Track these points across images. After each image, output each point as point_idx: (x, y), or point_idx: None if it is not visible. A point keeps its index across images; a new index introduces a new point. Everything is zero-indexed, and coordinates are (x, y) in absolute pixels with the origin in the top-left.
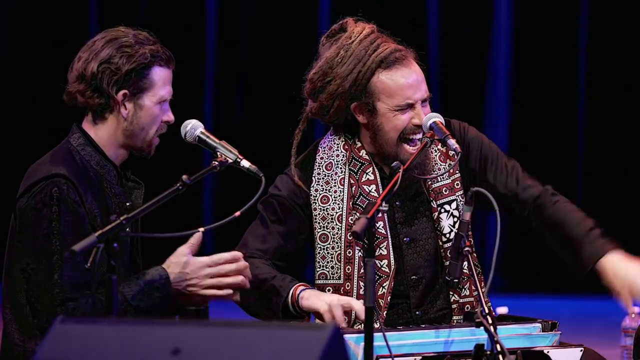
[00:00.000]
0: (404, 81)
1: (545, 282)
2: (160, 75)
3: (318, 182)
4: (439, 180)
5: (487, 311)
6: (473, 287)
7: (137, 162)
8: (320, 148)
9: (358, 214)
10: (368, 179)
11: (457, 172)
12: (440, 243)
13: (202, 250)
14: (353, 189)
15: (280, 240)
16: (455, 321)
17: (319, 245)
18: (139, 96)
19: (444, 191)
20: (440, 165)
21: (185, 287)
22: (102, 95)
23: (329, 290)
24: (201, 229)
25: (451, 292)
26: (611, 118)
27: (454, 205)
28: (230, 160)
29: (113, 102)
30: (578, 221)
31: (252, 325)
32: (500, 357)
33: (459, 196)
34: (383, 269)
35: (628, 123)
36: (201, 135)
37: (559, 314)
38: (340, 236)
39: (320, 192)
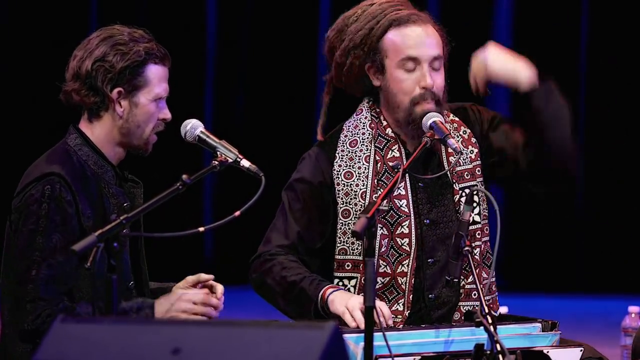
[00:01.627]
0: (410, 35)
1: (545, 282)
2: (156, 73)
3: (342, 158)
4: (461, 164)
5: (487, 311)
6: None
7: (136, 162)
8: (345, 127)
9: (382, 191)
10: (393, 155)
11: (479, 159)
12: None
13: (201, 250)
14: (378, 165)
15: (302, 233)
16: (461, 307)
17: (340, 221)
18: (134, 94)
19: (465, 175)
20: (462, 150)
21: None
22: (97, 93)
23: (348, 266)
24: (201, 229)
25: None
26: (612, 116)
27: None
28: (230, 160)
29: (108, 100)
30: None
31: (252, 325)
32: (500, 357)
33: (480, 183)
34: (404, 247)
35: (628, 121)
36: (201, 135)
37: (559, 314)
38: None
39: (344, 168)
